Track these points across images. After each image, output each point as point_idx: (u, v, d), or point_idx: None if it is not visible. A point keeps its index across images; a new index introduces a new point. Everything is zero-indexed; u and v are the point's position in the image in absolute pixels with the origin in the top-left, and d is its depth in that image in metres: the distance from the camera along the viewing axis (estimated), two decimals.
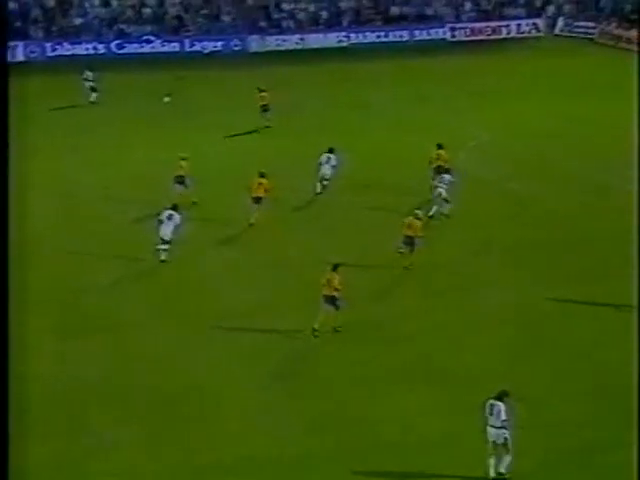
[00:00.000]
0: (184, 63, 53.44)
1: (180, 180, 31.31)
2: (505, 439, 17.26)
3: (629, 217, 28.18)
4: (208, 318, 24.13)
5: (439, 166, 31.48)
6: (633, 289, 24.16)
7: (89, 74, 45.72)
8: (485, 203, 32.26)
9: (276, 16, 60.58)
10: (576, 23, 62.00)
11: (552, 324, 23.84)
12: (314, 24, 60.79)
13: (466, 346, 22.70)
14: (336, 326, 22.88)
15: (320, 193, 32.58)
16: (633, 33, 58.63)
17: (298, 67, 52.77)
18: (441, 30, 61.22)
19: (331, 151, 32.64)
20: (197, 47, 57.36)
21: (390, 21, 61.48)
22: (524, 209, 31.76)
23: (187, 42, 57.41)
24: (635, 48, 57.06)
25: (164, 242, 27.03)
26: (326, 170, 32.41)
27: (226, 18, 59.78)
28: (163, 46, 56.79)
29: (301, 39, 59.11)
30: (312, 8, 61.25)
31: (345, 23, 61.07)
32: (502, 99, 46.36)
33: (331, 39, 59.43)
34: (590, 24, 61.24)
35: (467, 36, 61.43)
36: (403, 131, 40.98)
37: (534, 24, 62.41)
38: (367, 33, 60.19)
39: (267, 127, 41.07)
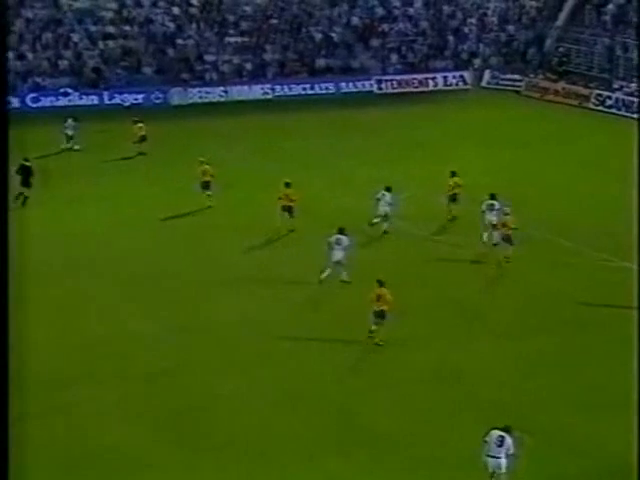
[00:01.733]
0: (103, 116, 51.72)
1: (205, 185, 35.50)
2: (507, 469, 18.12)
3: (554, 268, 27.88)
4: None
5: (455, 193, 34.37)
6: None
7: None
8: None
9: (199, 68, 59.36)
10: (503, 76, 61.84)
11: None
12: (238, 76, 59.70)
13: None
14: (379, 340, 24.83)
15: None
16: (559, 85, 58.62)
17: (222, 119, 51.46)
18: (367, 82, 60.56)
19: (388, 189, 33.61)
20: (117, 100, 55.72)
21: (316, 73, 60.69)
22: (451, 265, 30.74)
23: (106, 95, 55.78)
24: (561, 100, 57.15)
25: (337, 264, 28.46)
26: (383, 207, 33.41)
27: (147, 70, 58.38)
28: (81, 99, 55.01)
29: (225, 91, 57.90)
30: (236, 60, 60.21)
31: (270, 75, 60.09)
32: (429, 152, 45.49)
33: (255, 91, 58.35)
34: (517, 76, 61.12)
35: (394, 88, 60.85)
36: (326, 184, 40.04)
37: (461, 76, 62.07)
38: (292, 85, 59.25)
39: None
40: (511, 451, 18.18)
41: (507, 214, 31.08)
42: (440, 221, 34.98)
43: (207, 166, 36.58)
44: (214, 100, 56.95)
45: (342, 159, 44.24)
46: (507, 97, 58.80)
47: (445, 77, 61.84)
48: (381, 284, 24.99)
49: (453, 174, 35.24)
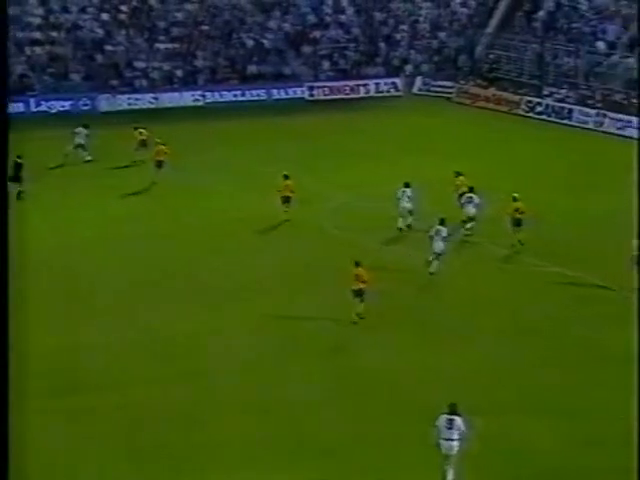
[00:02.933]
0: (30, 124, 50.70)
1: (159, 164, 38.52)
2: (458, 450, 18.54)
3: (488, 274, 26.65)
4: None
5: (464, 192, 34.47)
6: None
7: None
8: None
9: (128, 74, 58.59)
10: (434, 82, 61.97)
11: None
12: (168, 83, 59.05)
13: None
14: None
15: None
16: (490, 92, 58.89)
17: (152, 126, 50.76)
18: (299, 89, 60.30)
19: (407, 185, 34.32)
20: (43, 107, 54.72)
21: (247, 80, 60.27)
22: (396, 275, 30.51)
23: (33, 102, 54.75)
24: (492, 107, 57.42)
25: (437, 256, 29.83)
26: (405, 204, 34.13)
27: (75, 77, 57.47)
28: None
29: (155, 98, 57.22)
30: (166, 66, 59.57)
31: (201, 82, 59.53)
32: (360, 158, 45.27)
33: (186, 98, 57.74)
34: (448, 83, 61.30)
35: (325, 95, 60.66)
36: (255, 190, 39.75)
37: (393, 83, 62.08)
38: (223, 92, 58.74)
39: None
40: (462, 430, 18.60)
41: (517, 200, 33.07)
42: (385, 231, 34.64)
43: (162, 146, 40.86)
44: (144, 107, 56.25)
45: (272, 166, 43.82)
46: (438, 104, 58.89)
47: (377, 84, 61.80)
48: (358, 265, 26.81)
49: (458, 174, 35.80)
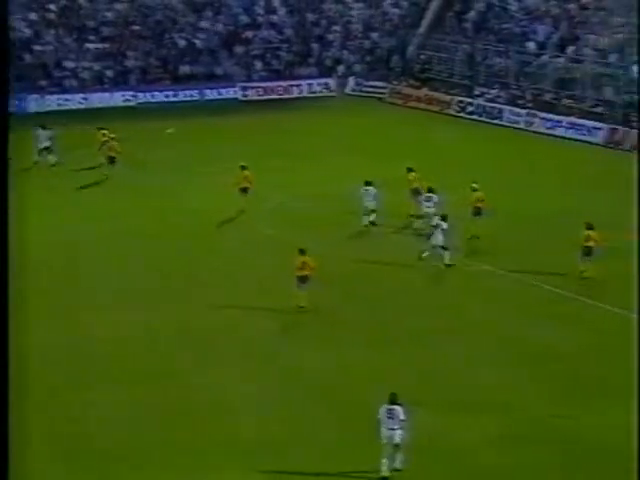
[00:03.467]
0: None
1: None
2: (400, 439, 18.82)
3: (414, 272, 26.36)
4: None
5: (416, 188, 35.08)
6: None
7: None
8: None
9: (57, 74, 57.79)
10: (367, 82, 62.11)
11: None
12: (99, 83, 58.37)
13: None
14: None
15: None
16: (422, 92, 59.18)
17: (81, 127, 50.07)
18: (232, 89, 60.02)
19: (369, 184, 34.76)
20: None
21: (179, 80, 59.82)
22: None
23: None
24: (424, 107, 57.72)
25: (443, 248, 30.70)
26: (368, 202, 34.67)
27: None
28: None
29: (85, 98, 56.54)
30: (97, 66, 58.87)
31: (132, 82, 58.93)
32: (295, 158, 45.11)
33: (117, 98, 57.15)
34: (380, 83, 61.46)
35: (259, 95, 60.49)
36: (188, 191, 39.57)
37: (325, 83, 62.11)
38: (155, 92, 58.23)
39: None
40: (402, 418, 18.85)
41: (476, 190, 33.96)
42: (323, 229, 34.59)
43: (115, 143, 41.54)
44: (73, 107, 55.55)
45: (205, 166, 43.56)
46: (371, 104, 59.05)
47: (310, 84, 61.78)
48: (303, 252, 27.57)
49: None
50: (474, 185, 34.37)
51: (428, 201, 34.02)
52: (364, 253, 32.78)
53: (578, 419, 21.78)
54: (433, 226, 31.26)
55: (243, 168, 36.96)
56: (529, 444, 20.71)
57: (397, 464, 19.17)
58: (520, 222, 35.96)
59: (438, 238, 30.94)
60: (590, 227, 30.54)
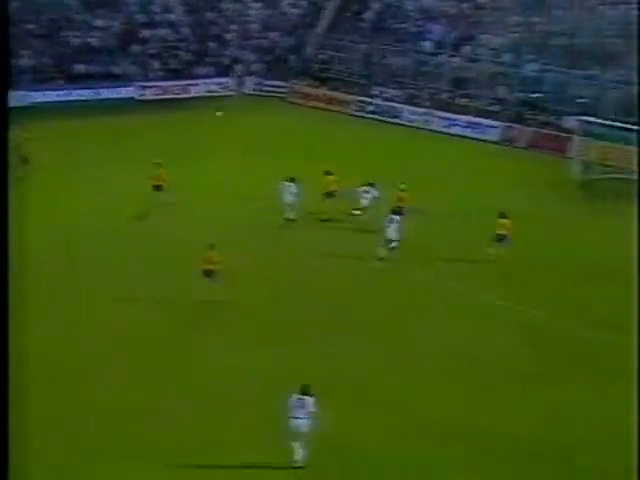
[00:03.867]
0: None
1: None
2: (308, 429, 19.06)
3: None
4: None
5: (331, 191, 35.16)
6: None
7: None
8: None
9: None
10: (266, 82, 61.90)
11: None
12: None
13: None
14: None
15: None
16: (321, 92, 59.23)
17: None
18: (129, 89, 59.20)
19: (292, 180, 34.85)
20: None
21: (74, 80, 58.75)
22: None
23: None
24: (324, 106, 57.74)
25: (391, 242, 31.21)
26: (288, 198, 34.70)
27: None
28: None
29: None
30: None
31: (25, 82, 57.64)
32: (193, 158, 44.63)
33: (10, 98, 55.71)
34: (280, 83, 61.31)
35: (156, 95, 59.80)
36: (77, 193, 39.01)
37: (224, 83, 61.75)
38: (48, 92, 57.08)
39: None
40: (311, 409, 19.04)
41: (403, 191, 34.11)
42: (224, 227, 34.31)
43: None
44: None
45: (101, 166, 42.89)
46: (271, 103, 58.85)
47: (208, 84, 61.32)
48: (212, 247, 27.70)
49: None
50: (402, 186, 34.47)
51: (366, 193, 34.55)
52: (279, 249, 32.83)
53: (479, 414, 21.90)
54: (388, 221, 31.66)
55: (157, 165, 36.59)
56: (429, 438, 20.81)
57: (301, 454, 19.35)
58: (437, 218, 36.05)
59: (392, 232, 31.40)
60: (503, 216, 31.72)
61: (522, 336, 26.25)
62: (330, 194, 35.54)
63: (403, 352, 25.20)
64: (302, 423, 19.12)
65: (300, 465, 19.30)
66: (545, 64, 53.08)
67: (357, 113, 56.59)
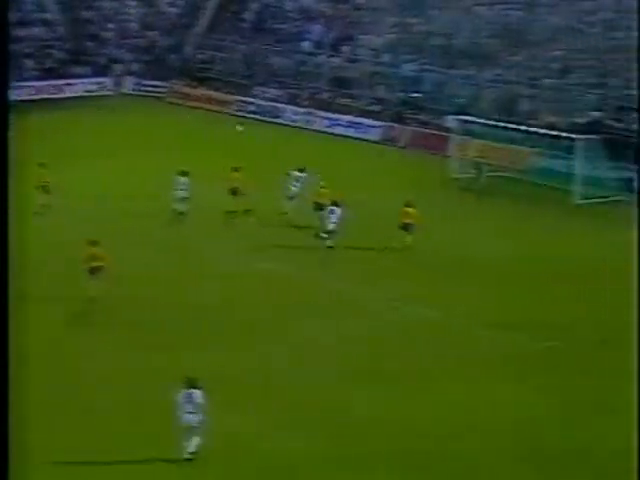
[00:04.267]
0: None
1: (234, 191, 35.48)
2: (198, 422, 19.02)
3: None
4: None
5: (235, 187, 35.44)
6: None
7: None
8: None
9: None
10: (145, 82, 61.16)
11: None
12: None
13: None
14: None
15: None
16: (202, 92, 58.87)
17: None
18: None
19: (184, 174, 35.36)
20: None
21: None
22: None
23: None
24: (205, 106, 57.42)
25: (329, 232, 32.39)
26: (179, 192, 35.22)
27: None
28: None
29: None
30: None
31: None
32: (69, 159, 43.72)
33: None
34: (159, 83, 60.67)
35: (30, 95, 58.25)
36: None
37: (101, 82, 60.80)
38: None
39: None
40: (199, 402, 19.04)
41: (323, 187, 34.89)
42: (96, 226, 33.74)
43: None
44: None
45: None
46: (150, 103, 58.16)
47: (85, 83, 60.28)
48: (94, 244, 27.42)
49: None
50: (321, 183, 35.22)
51: (297, 181, 35.76)
52: (166, 245, 32.77)
53: (351, 408, 21.97)
54: (328, 212, 32.64)
55: (41, 166, 36.22)
56: (313, 433, 20.86)
57: (192, 447, 19.26)
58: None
59: (330, 223, 32.38)
60: (409, 205, 32.85)
61: (411, 334, 26.50)
62: (234, 191, 35.86)
63: (290, 352, 25.07)
64: (191, 417, 19.10)
65: (190, 458, 19.24)
66: (423, 64, 53.83)
67: (238, 113, 56.36)
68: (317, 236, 32.94)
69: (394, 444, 20.45)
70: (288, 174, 36.35)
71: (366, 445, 20.50)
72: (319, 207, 34.15)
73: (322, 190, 34.79)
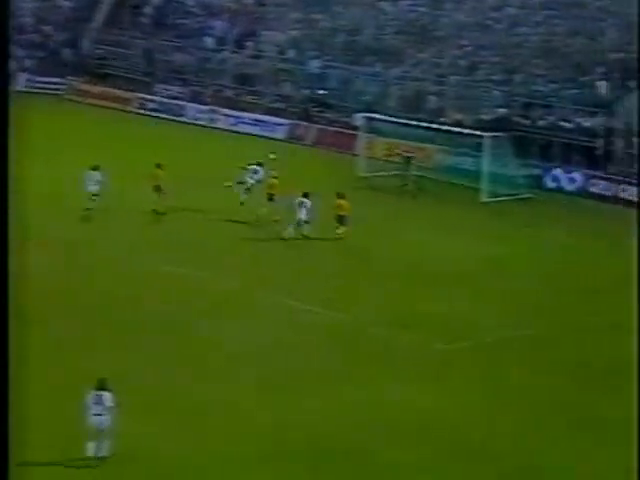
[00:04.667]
0: None
1: (157, 188, 35.41)
2: (107, 425, 18.86)
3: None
4: None
5: (158, 185, 35.34)
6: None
7: None
8: None
9: None
10: (40, 78, 59.23)
11: None
12: None
13: None
14: None
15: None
16: (101, 89, 57.50)
17: None
18: None
19: (95, 169, 35.30)
20: None
21: None
22: None
23: None
24: (105, 104, 55.98)
25: (302, 222, 33.43)
26: (91, 187, 35.04)
27: None
28: None
29: None
30: None
31: None
32: None
33: None
34: (56, 79, 58.88)
35: None
36: None
37: None
38: None
39: None
40: (108, 405, 18.86)
41: (275, 177, 35.95)
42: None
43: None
44: None
45: None
46: (47, 101, 56.28)
47: None
48: None
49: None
50: (273, 173, 36.30)
51: (255, 173, 36.65)
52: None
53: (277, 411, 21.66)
54: (298, 203, 33.73)
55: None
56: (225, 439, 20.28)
57: (104, 452, 19.00)
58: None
59: (302, 214, 33.59)
60: (341, 197, 34.06)
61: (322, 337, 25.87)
62: (158, 188, 35.92)
63: (196, 355, 24.41)
64: (100, 419, 18.86)
65: (99, 460, 18.92)
66: (329, 61, 53.13)
67: (139, 111, 54.99)
68: (296, 226, 33.71)
69: (291, 445, 20.19)
70: (245, 168, 36.85)
71: (265, 445, 20.10)
72: (270, 197, 35.50)
73: (273, 180, 35.88)
